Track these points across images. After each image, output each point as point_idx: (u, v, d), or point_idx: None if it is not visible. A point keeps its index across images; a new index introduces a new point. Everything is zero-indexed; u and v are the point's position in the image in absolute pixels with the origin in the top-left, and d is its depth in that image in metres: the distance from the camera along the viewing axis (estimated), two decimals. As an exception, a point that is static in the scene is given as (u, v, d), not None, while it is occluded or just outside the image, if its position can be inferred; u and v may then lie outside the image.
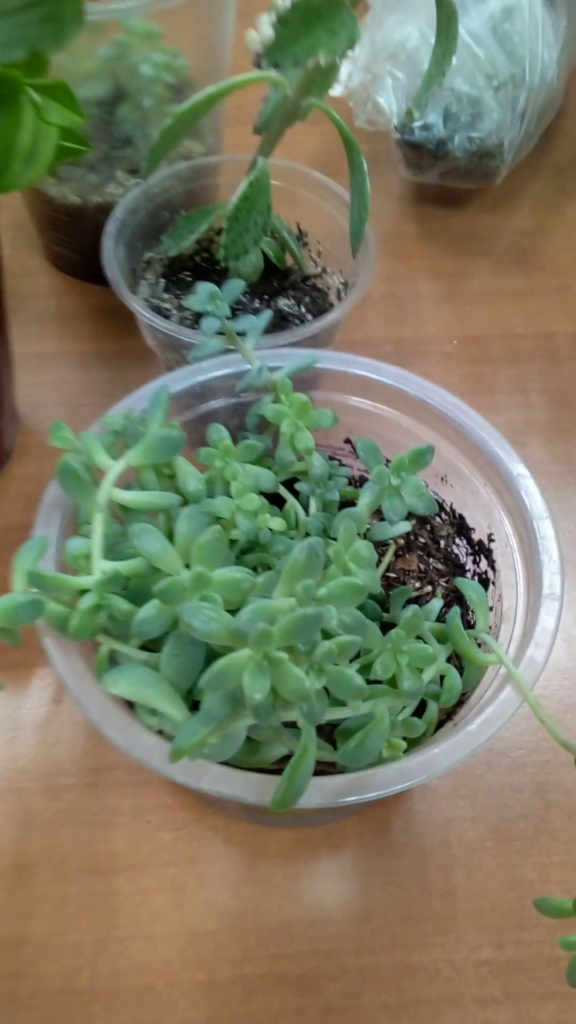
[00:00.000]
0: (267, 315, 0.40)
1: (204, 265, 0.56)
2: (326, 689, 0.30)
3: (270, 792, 0.32)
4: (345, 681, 0.29)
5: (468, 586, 0.38)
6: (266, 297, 0.55)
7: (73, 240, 0.63)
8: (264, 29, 0.45)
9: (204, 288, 0.39)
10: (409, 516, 0.45)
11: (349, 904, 0.45)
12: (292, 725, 0.35)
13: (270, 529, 0.37)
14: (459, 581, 0.38)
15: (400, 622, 0.34)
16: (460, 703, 0.38)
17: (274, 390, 0.40)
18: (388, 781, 0.33)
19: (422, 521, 0.45)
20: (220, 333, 0.39)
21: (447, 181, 0.70)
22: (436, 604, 0.40)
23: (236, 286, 0.39)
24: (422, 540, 0.45)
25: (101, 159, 0.60)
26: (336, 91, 0.74)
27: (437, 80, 0.44)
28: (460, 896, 0.45)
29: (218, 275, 0.56)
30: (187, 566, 0.33)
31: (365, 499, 0.36)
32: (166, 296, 0.55)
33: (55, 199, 0.60)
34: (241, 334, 0.40)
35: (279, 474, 0.39)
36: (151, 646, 0.35)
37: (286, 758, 0.36)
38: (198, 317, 0.49)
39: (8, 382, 0.56)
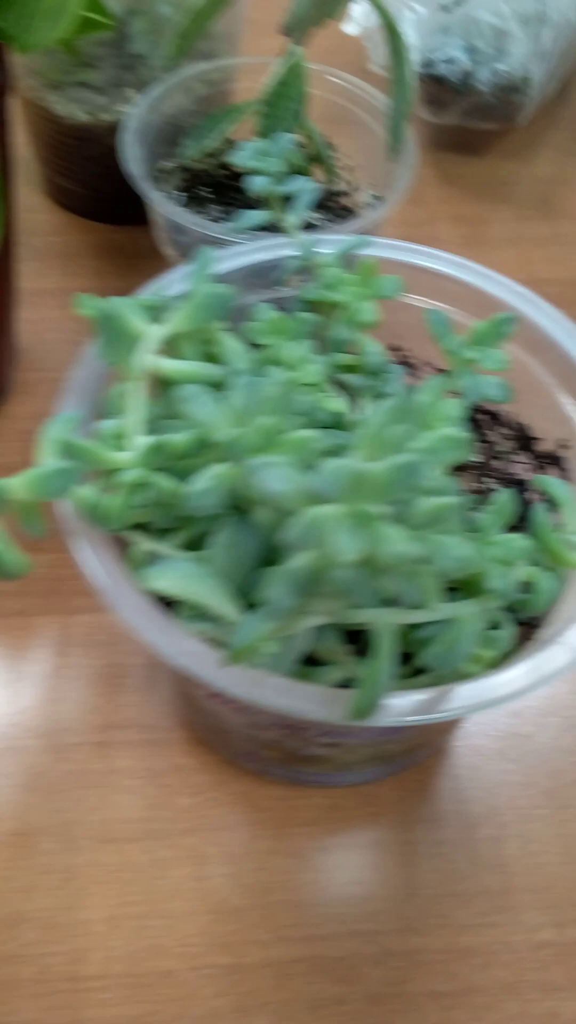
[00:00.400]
0: (315, 188, 0.36)
1: (223, 181, 0.51)
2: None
3: (339, 707, 0.27)
4: (450, 549, 0.24)
5: (551, 483, 0.33)
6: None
7: (78, 168, 0.58)
8: None
9: (251, 145, 0.34)
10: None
11: (391, 879, 0.40)
12: (356, 641, 0.30)
13: (329, 412, 0.32)
14: (538, 479, 0.33)
15: (492, 507, 0.29)
16: (536, 624, 0.33)
17: (320, 272, 0.35)
18: (477, 696, 0.28)
19: (476, 436, 0.41)
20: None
21: (469, 121, 0.66)
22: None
23: (286, 139, 0.34)
24: (477, 459, 0.40)
25: (110, 81, 0.55)
26: (352, 30, 0.70)
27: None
28: (514, 870, 0.41)
29: (237, 192, 0.51)
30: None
31: (435, 380, 0.32)
32: (185, 210, 0.50)
33: (63, 118, 0.55)
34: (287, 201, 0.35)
35: (329, 366, 0.35)
36: (191, 549, 0.30)
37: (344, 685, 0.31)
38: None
39: (11, 316, 0.52)
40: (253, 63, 0.53)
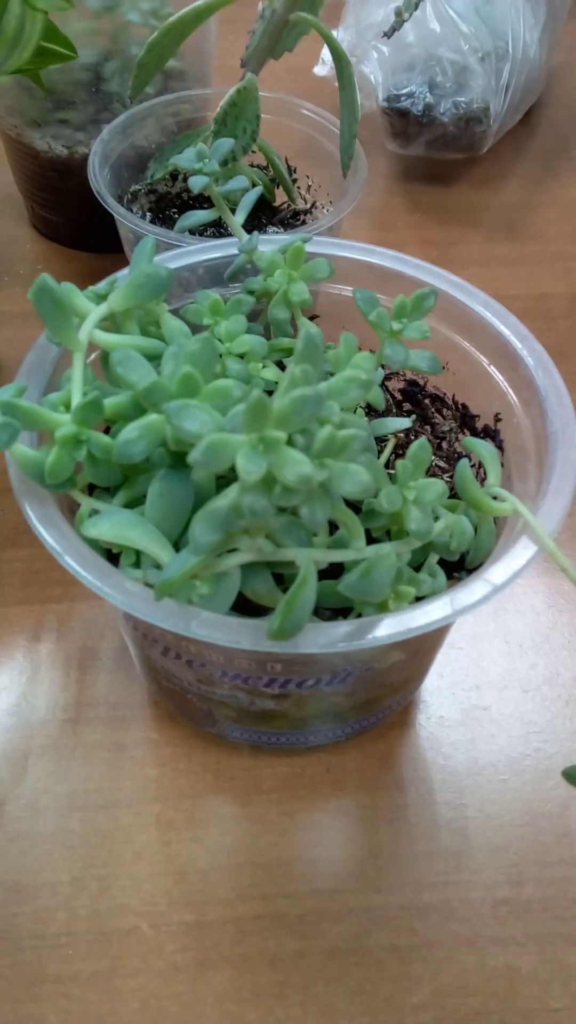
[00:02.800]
0: (258, 189, 0.38)
1: (189, 203, 0.55)
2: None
3: (263, 635, 0.28)
4: (351, 474, 0.26)
5: (477, 444, 0.35)
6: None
7: (59, 200, 0.62)
8: None
9: (192, 149, 0.37)
10: (408, 412, 0.43)
11: (352, 842, 0.41)
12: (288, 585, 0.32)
13: (262, 379, 0.34)
14: (468, 441, 0.35)
15: (407, 454, 0.31)
16: (468, 570, 0.35)
17: (264, 268, 0.38)
18: (393, 627, 0.29)
19: (423, 419, 0.43)
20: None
21: (433, 151, 0.70)
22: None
23: (225, 143, 0.37)
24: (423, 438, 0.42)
25: (88, 119, 0.59)
26: (322, 71, 0.74)
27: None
28: (472, 832, 0.41)
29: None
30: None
31: (348, 336, 0.34)
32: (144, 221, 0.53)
33: (42, 153, 0.59)
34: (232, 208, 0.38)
35: (270, 351, 0.37)
36: (133, 507, 0.32)
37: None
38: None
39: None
40: (220, 93, 0.56)
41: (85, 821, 0.41)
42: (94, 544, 0.32)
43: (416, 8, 0.47)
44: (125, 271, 0.39)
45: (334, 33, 0.71)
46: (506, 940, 0.39)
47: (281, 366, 0.39)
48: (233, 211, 0.39)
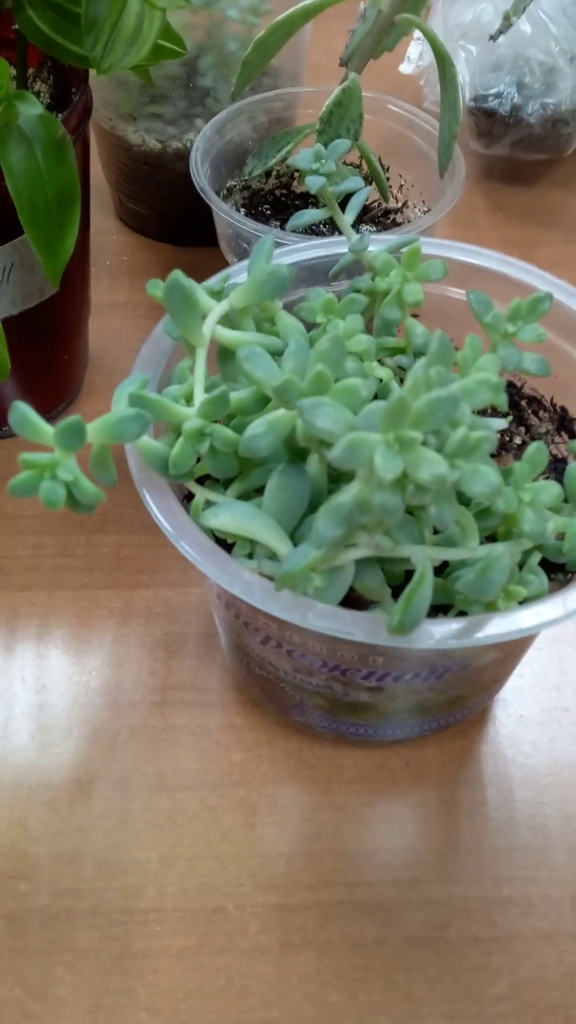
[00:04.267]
0: (367, 190, 0.39)
1: (284, 200, 0.56)
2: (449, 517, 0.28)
3: (381, 630, 0.29)
4: (481, 475, 0.26)
5: (583, 445, 0.35)
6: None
7: (148, 193, 0.63)
8: None
9: (309, 150, 0.37)
10: (503, 413, 0.43)
11: (432, 834, 0.42)
12: (398, 591, 0.33)
13: (379, 380, 0.35)
14: (573, 444, 0.35)
15: (524, 457, 0.31)
16: (570, 578, 0.36)
17: (373, 269, 0.38)
18: (507, 626, 0.30)
19: (518, 420, 0.43)
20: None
21: (518, 152, 0.70)
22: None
23: (342, 145, 0.38)
24: (518, 440, 0.42)
25: (180, 114, 0.60)
26: (407, 69, 0.74)
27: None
28: (551, 830, 0.42)
29: (295, 209, 0.55)
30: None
31: (474, 339, 0.34)
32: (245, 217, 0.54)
33: (135, 146, 0.60)
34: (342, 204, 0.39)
35: (379, 349, 0.38)
36: (247, 500, 0.33)
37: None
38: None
39: (84, 319, 0.56)
40: (313, 92, 0.57)
41: (173, 801, 0.42)
42: (207, 533, 0.33)
43: (523, 12, 0.48)
44: (236, 267, 0.40)
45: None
46: (584, 937, 0.39)
47: (384, 364, 0.40)
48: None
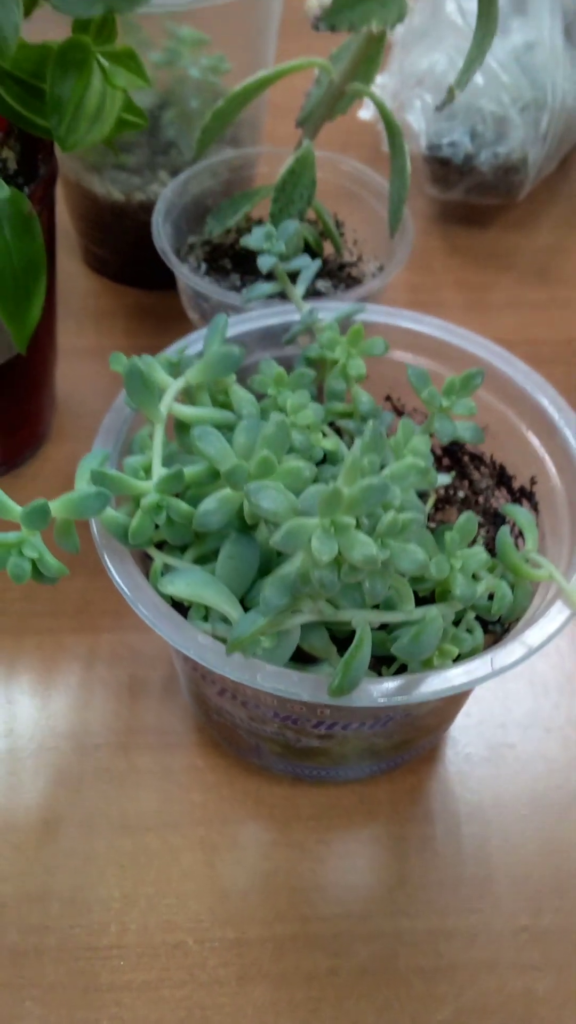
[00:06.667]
0: (317, 262, 0.41)
1: (243, 253, 0.58)
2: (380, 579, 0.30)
3: (324, 690, 0.31)
4: (408, 553, 0.29)
5: (517, 511, 0.38)
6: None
7: (113, 239, 0.65)
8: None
9: (260, 228, 0.40)
10: (449, 468, 0.46)
11: (383, 868, 0.44)
12: (342, 647, 0.35)
13: (322, 450, 0.37)
14: (508, 507, 0.38)
15: (455, 527, 0.34)
16: (506, 630, 0.38)
17: (320, 334, 0.41)
18: (439, 684, 0.32)
19: (461, 475, 0.46)
20: (270, 277, 0.41)
21: (472, 197, 0.73)
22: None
23: (291, 226, 0.40)
24: (462, 494, 0.45)
25: (144, 164, 0.62)
26: (365, 115, 0.77)
27: (478, 61, 0.46)
28: (495, 863, 0.44)
29: (253, 262, 0.57)
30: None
31: (410, 422, 0.37)
32: (207, 280, 0.56)
33: (100, 196, 0.62)
34: (292, 278, 0.41)
35: (327, 414, 0.40)
36: (202, 563, 0.36)
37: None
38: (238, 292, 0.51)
39: (51, 371, 0.58)
40: (272, 152, 0.59)
41: (136, 841, 0.44)
42: (165, 596, 0.35)
43: (466, 85, 0.50)
44: (193, 336, 0.42)
45: (378, 79, 0.74)
46: (524, 965, 0.42)
47: (334, 427, 0.42)
48: (292, 277, 0.42)
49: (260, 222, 0.59)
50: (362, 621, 0.32)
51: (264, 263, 0.40)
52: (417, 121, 0.72)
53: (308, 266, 0.40)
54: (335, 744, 0.41)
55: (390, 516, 0.29)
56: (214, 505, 0.32)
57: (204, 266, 0.57)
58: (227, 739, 0.45)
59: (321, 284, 0.56)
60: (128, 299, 0.68)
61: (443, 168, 0.71)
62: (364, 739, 0.40)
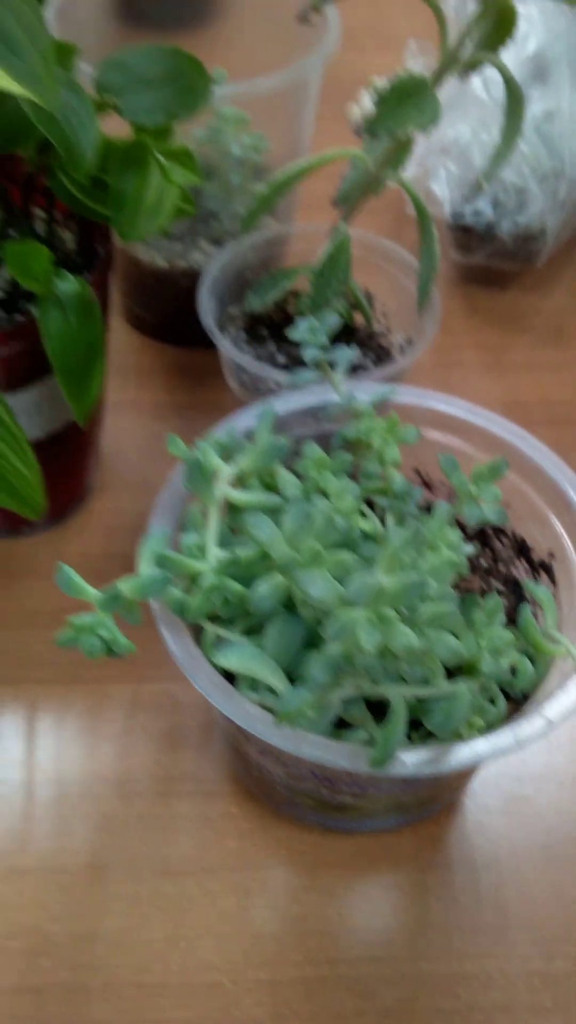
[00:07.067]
0: (353, 352, 0.45)
1: (279, 322, 0.61)
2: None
3: (362, 760, 0.35)
4: (444, 643, 0.32)
5: (537, 589, 0.41)
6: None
7: (155, 302, 0.69)
8: (365, 104, 0.51)
9: (304, 321, 0.43)
10: (473, 538, 0.49)
11: (405, 913, 0.47)
12: (377, 712, 0.38)
13: (361, 531, 0.40)
14: (527, 584, 0.41)
15: (485, 609, 0.37)
16: (525, 697, 0.41)
17: (357, 416, 0.44)
18: (467, 755, 0.36)
19: (484, 544, 0.49)
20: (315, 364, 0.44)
21: (493, 262, 0.76)
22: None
23: (333, 319, 0.44)
24: (484, 563, 0.48)
25: (187, 231, 0.66)
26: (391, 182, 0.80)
27: (505, 156, 0.50)
28: (511, 910, 0.48)
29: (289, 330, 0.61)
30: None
31: (443, 507, 0.40)
32: (246, 347, 0.59)
33: (144, 263, 0.66)
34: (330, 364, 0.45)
35: (362, 491, 0.43)
36: (249, 634, 0.39)
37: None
38: (275, 368, 0.55)
39: (100, 431, 0.61)
40: (309, 230, 0.63)
41: (176, 885, 0.47)
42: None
43: (493, 178, 0.53)
44: (239, 418, 0.45)
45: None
46: (537, 1007, 0.45)
47: (369, 503, 0.46)
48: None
49: (296, 294, 0.62)
50: (398, 696, 0.35)
51: (309, 356, 0.43)
52: (441, 189, 0.75)
53: (346, 356, 0.44)
54: (367, 801, 0.44)
55: (429, 609, 0.32)
56: (268, 591, 0.35)
57: (243, 335, 0.60)
58: (263, 792, 0.48)
59: (349, 348, 0.59)
60: (166, 356, 0.72)
61: (466, 235, 0.74)
62: (393, 796, 0.44)
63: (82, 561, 0.59)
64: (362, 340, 0.61)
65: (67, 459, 0.57)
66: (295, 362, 0.59)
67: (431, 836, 0.50)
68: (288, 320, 0.62)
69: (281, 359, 0.60)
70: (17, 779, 0.50)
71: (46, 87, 0.35)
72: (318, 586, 0.33)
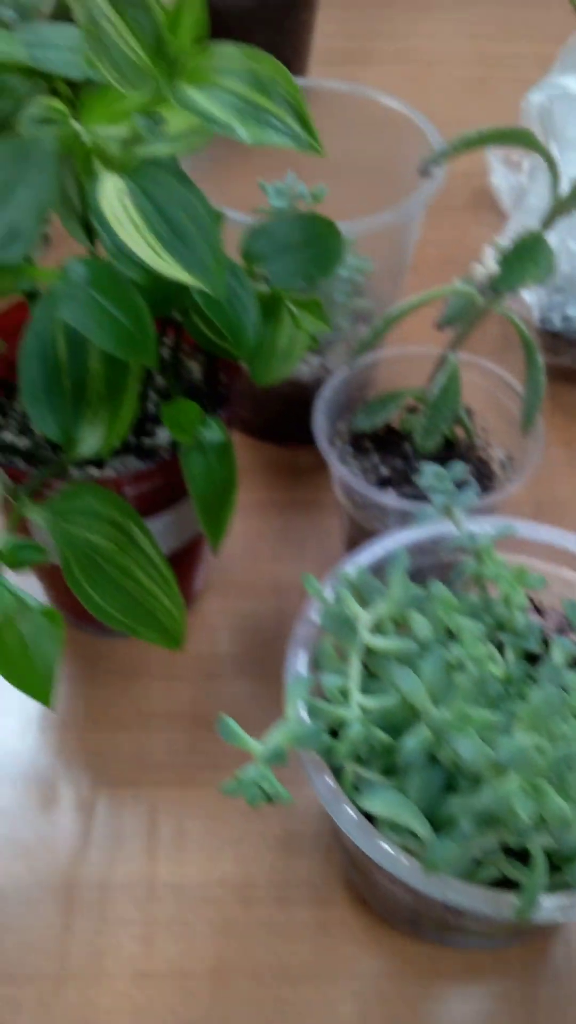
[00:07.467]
0: (474, 491, 0.48)
1: (382, 436, 0.64)
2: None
3: (500, 905, 0.37)
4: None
5: None
6: (439, 463, 0.62)
7: (257, 406, 0.72)
8: (488, 263, 0.54)
9: (431, 469, 0.46)
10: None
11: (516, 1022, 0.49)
12: (508, 850, 0.41)
13: (494, 676, 0.43)
14: None
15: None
16: None
17: (478, 555, 0.47)
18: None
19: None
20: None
21: (579, 364, 0.79)
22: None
23: (460, 469, 0.46)
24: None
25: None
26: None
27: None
28: (619, 1026, 0.49)
29: (393, 444, 0.64)
30: (434, 703, 0.39)
31: (559, 651, 0.43)
32: (351, 461, 0.62)
33: (247, 372, 0.69)
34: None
35: (488, 628, 0.46)
36: (388, 774, 0.42)
37: (498, 882, 0.41)
38: (378, 479, 0.58)
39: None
40: (413, 355, 0.65)
41: (296, 992, 0.50)
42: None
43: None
44: (363, 555, 0.48)
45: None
46: None
47: (494, 641, 0.48)
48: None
49: (415, 410, 0.65)
50: (539, 849, 0.38)
51: (438, 502, 0.46)
52: (530, 294, 0.78)
53: (467, 499, 0.47)
54: (489, 925, 0.46)
55: (576, 777, 0.35)
56: (416, 745, 0.38)
57: (349, 448, 0.63)
58: (385, 910, 0.50)
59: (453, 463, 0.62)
60: (265, 454, 0.75)
61: (554, 339, 0.77)
62: (517, 924, 0.46)
63: (194, 663, 0.62)
64: (462, 454, 0.64)
65: (186, 569, 0.60)
66: (397, 475, 0.62)
67: (537, 949, 0.52)
68: (392, 434, 0.65)
69: (384, 471, 0.62)
70: (141, 881, 0.53)
71: (215, 277, 0.38)
72: (469, 749, 0.36)
